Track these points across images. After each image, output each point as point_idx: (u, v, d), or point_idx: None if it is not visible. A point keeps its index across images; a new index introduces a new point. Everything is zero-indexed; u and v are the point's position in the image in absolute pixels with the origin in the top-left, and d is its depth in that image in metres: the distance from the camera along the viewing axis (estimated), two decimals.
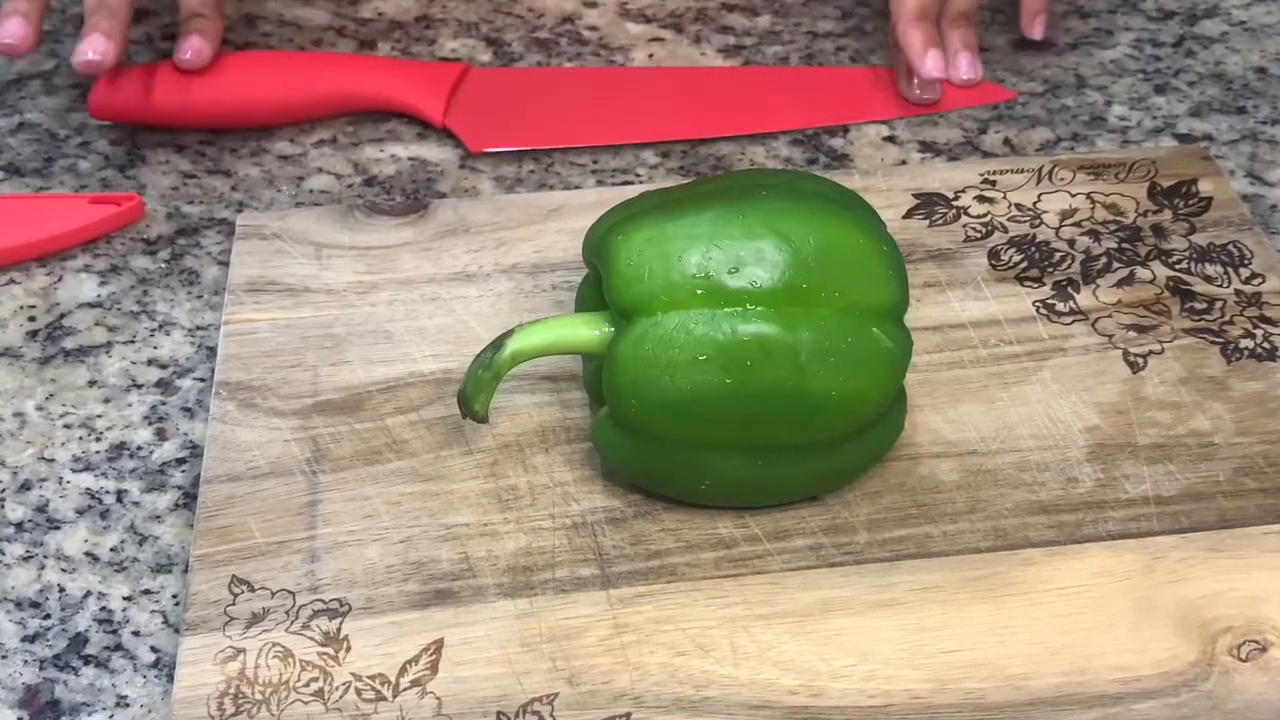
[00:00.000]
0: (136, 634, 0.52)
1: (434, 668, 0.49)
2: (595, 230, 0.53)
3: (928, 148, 0.71)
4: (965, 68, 0.71)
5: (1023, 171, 0.67)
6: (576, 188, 0.69)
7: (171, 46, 0.71)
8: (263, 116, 0.71)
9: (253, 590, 0.51)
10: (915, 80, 0.72)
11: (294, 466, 0.55)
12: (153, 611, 0.53)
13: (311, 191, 0.69)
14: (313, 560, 0.52)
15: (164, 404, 0.59)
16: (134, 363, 0.61)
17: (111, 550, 0.54)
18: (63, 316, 0.63)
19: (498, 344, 0.53)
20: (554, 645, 0.49)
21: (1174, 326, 0.60)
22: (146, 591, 0.53)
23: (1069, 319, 0.60)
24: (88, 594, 0.53)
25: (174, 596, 0.53)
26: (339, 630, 0.50)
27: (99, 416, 0.59)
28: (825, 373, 0.49)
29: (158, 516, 0.56)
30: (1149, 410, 0.57)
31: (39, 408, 0.59)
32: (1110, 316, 0.60)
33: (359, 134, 0.72)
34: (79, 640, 0.52)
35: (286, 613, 0.50)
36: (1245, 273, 0.62)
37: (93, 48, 0.66)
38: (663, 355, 0.49)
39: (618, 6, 0.80)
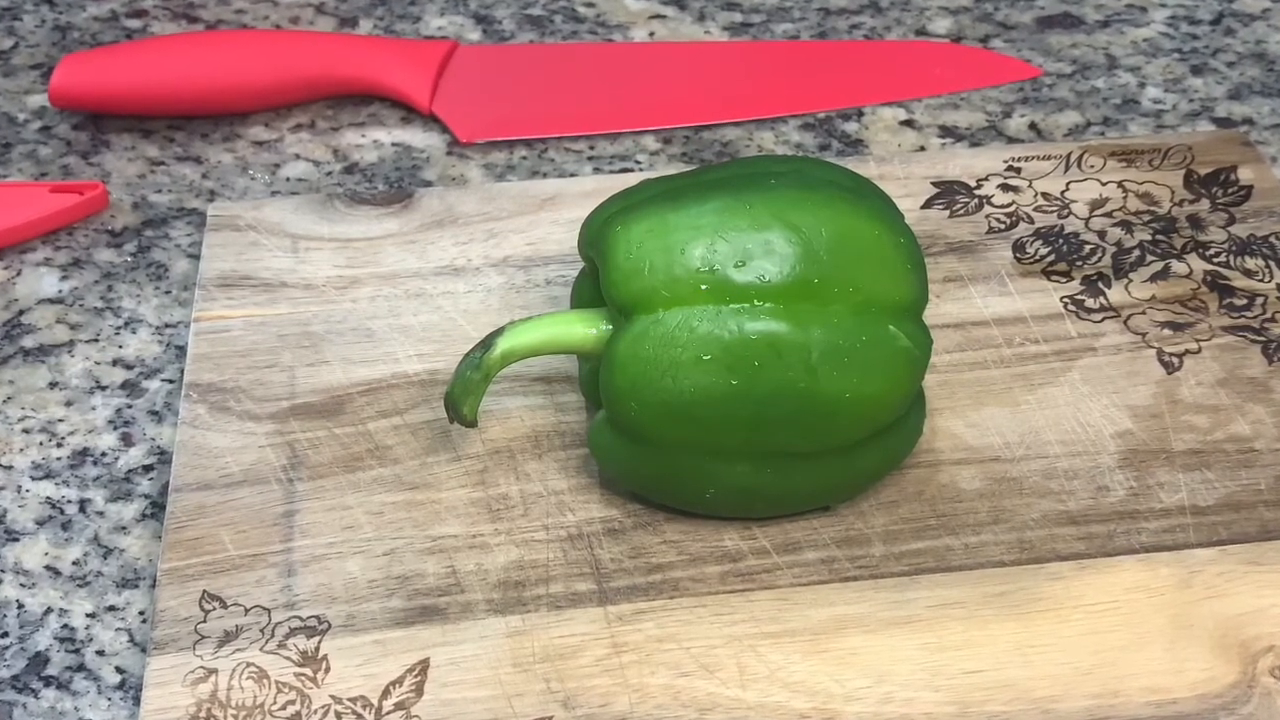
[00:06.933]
0: (101, 653, 0.52)
1: (419, 689, 0.49)
2: (592, 221, 0.53)
3: (948, 132, 0.71)
4: None
5: (1050, 158, 0.67)
6: (572, 175, 0.69)
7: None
8: (236, 100, 0.72)
9: (225, 607, 0.51)
10: None
11: (269, 474, 0.55)
12: (118, 629, 0.53)
13: (288, 180, 0.69)
14: (289, 574, 0.52)
15: (130, 407, 0.60)
16: (98, 363, 0.61)
17: (74, 564, 0.54)
18: (21, 313, 0.63)
19: (487, 343, 0.53)
20: (548, 665, 0.49)
21: (1212, 324, 0.60)
22: (111, 608, 0.53)
23: (1099, 316, 0.60)
24: (48, 610, 0.53)
25: (141, 613, 0.53)
26: (317, 649, 0.50)
27: (60, 420, 0.59)
28: (838, 374, 0.49)
29: (123, 528, 0.56)
30: (1185, 414, 0.57)
31: None
32: (1143, 313, 0.60)
33: (339, 118, 0.72)
34: (39, 660, 0.52)
35: (261, 631, 0.50)
36: None
37: None
38: (664, 355, 0.49)
39: None
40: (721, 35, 0.77)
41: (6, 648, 0.52)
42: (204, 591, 0.51)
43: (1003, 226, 0.64)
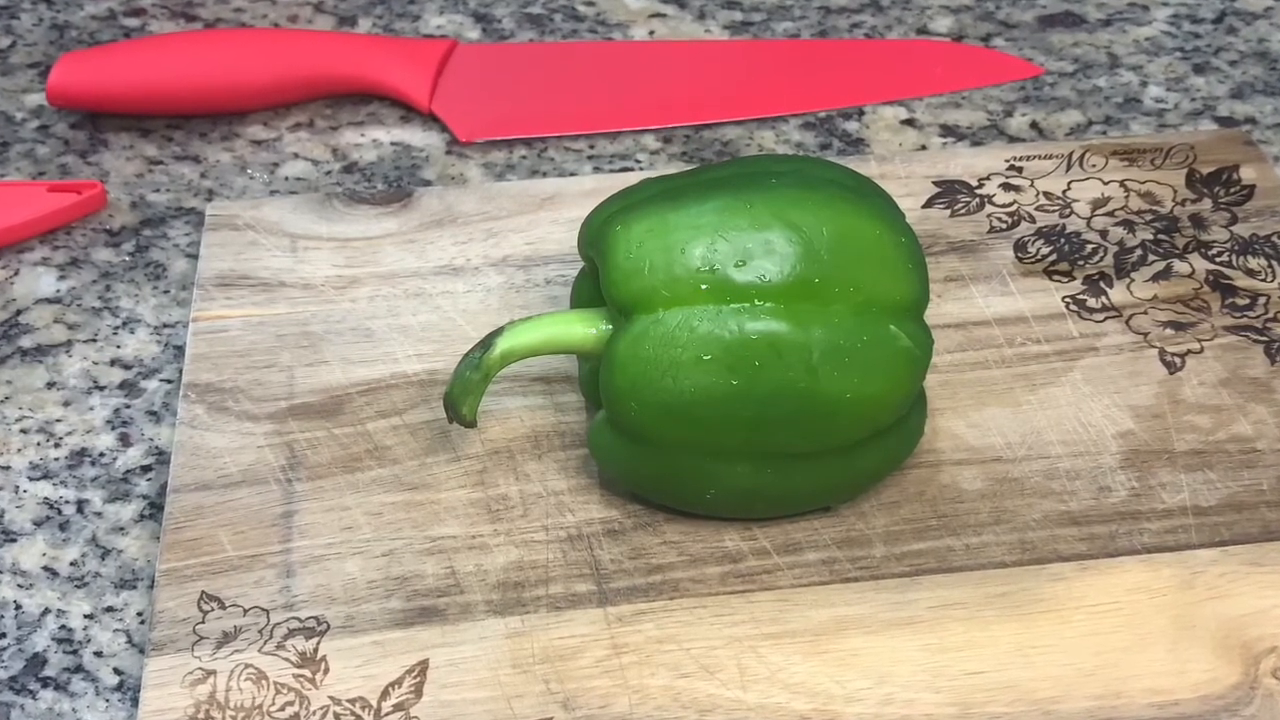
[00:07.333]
0: (98, 655, 0.52)
1: (418, 690, 0.49)
2: (592, 220, 0.53)
3: (949, 131, 0.71)
4: None
5: (1051, 157, 0.67)
6: (572, 175, 0.69)
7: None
8: (235, 99, 0.71)
9: (223, 607, 0.51)
10: None
11: (268, 474, 0.55)
12: (116, 630, 0.53)
13: (287, 179, 0.69)
14: (288, 575, 0.52)
15: (128, 407, 0.59)
16: (96, 363, 0.61)
17: (71, 564, 0.54)
18: (19, 313, 0.63)
19: (487, 343, 0.53)
20: (548, 666, 0.49)
21: (1214, 324, 0.60)
22: (109, 609, 0.53)
23: (1101, 316, 0.60)
24: (46, 611, 0.53)
25: (139, 614, 0.53)
26: (316, 650, 0.50)
27: (58, 420, 0.59)
28: (839, 374, 0.49)
29: (121, 528, 0.56)
30: (1187, 414, 0.57)
31: None
32: (1145, 313, 0.60)
33: (338, 117, 0.72)
34: (36, 661, 0.52)
35: (260, 632, 0.50)
36: None
37: None
38: (664, 355, 0.49)
39: None
40: (722, 34, 0.77)
41: (4, 649, 0.52)
42: (202, 592, 0.51)
43: (1004, 226, 0.64)
